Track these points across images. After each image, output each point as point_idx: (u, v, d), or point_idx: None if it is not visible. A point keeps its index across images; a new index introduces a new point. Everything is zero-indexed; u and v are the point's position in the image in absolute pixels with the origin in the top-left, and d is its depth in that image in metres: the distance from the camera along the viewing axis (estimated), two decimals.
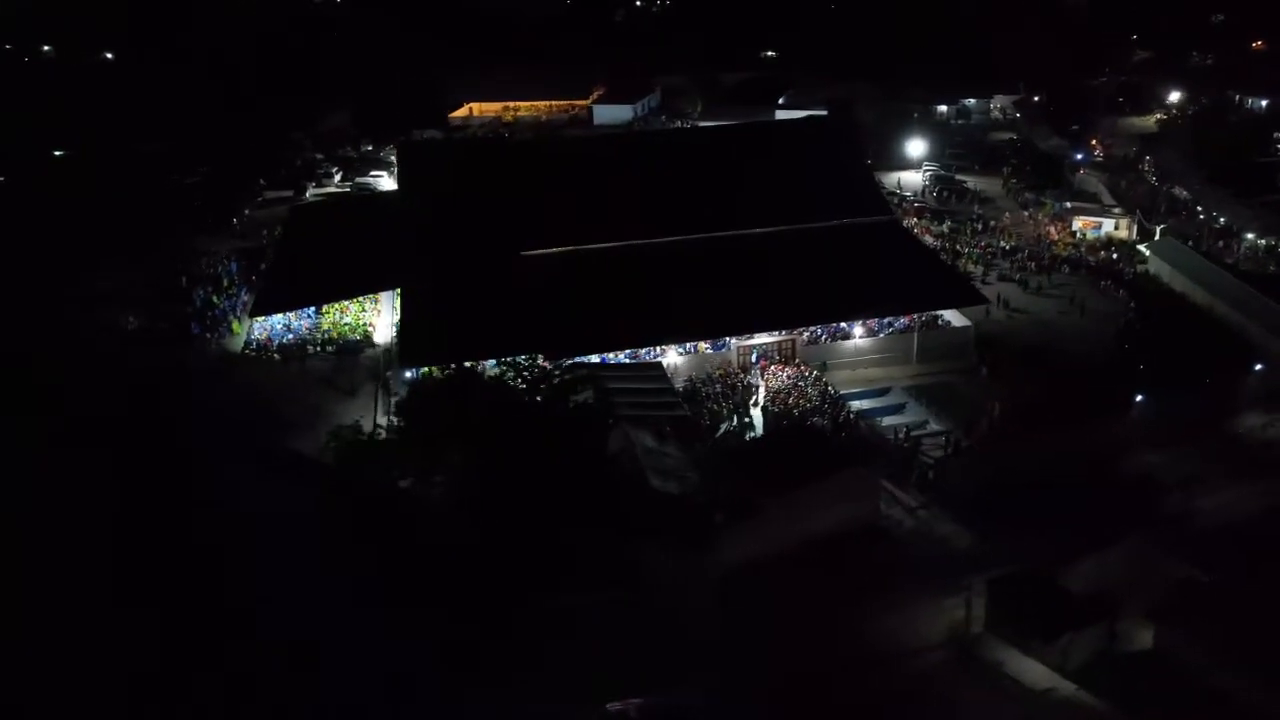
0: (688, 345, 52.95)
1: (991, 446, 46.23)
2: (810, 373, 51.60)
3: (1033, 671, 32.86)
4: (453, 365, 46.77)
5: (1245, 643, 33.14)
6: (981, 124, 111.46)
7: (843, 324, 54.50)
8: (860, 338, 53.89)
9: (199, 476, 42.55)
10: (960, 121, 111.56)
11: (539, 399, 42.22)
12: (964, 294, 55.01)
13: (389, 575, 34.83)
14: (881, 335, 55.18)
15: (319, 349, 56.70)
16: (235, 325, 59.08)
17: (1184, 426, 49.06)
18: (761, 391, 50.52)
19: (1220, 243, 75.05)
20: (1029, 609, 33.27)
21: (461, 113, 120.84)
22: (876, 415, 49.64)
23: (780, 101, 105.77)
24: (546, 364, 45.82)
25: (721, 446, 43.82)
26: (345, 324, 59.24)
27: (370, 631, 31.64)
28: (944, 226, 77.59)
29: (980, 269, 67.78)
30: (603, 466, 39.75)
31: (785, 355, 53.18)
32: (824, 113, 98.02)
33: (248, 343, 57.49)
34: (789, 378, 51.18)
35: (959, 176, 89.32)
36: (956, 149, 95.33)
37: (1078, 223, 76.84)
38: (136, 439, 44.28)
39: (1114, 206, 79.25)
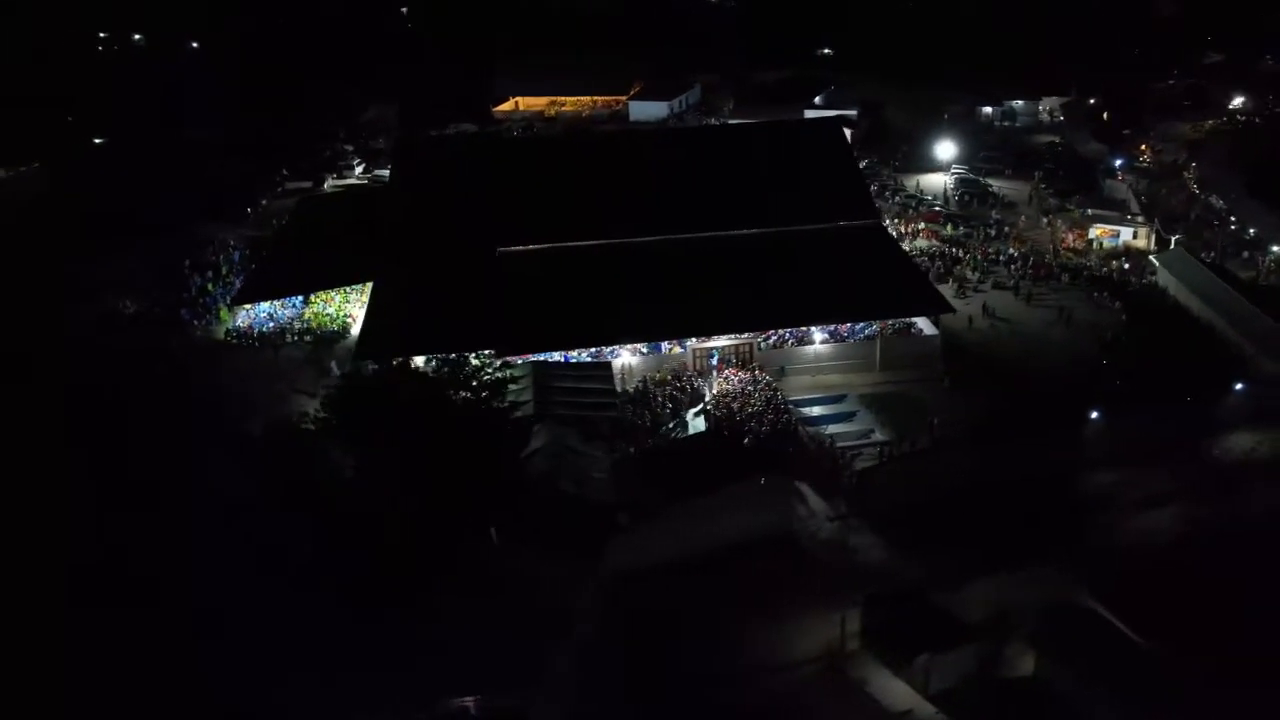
0: (643, 346, 52.70)
1: (926, 458, 45.27)
2: (762, 377, 51.10)
3: (896, 692, 32.23)
4: (397, 360, 47.68)
5: (1123, 672, 32.21)
6: (1028, 126, 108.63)
7: (801, 329, 53.63)
8: (820, 343, 53.15)
9: (143, 453, 44.30)
10: (1006, 124, 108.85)
11: (466, 397, 42.70)
12: (929, 302, 53.80)
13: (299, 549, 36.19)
14: (850, 340, 54.40)
15: (296, 338, 57.93)
16: (223, 313, 60.66)
17: (1150, 445, 47.45)
18: (709, 395, 50.17)
19: (1246, 254, 72.18)
20: (896, 627, 32.60)
21: (507, 106, 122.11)
22: (825, 423, 49.04)
23: (816, 101, 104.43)
24: (479, 362, 46.22)
25: (640, 449, 43.65)
26: (327, 314, 60.48)
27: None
28: (957, 231, 75.94)
29: (976, 276, 66.20)
30: (511, 466, 40.06)
31: (743, 359, 52.72)
32: (853, 113, 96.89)
33: (230, 329, 59.04)
34: (740, 381, 50.76)
35: (988, 180, 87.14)
36: (990, 152, 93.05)
37: (1094, 230, 74.54)
38: (94, 415, 46.27)
39: (1136, 215, 76.64)
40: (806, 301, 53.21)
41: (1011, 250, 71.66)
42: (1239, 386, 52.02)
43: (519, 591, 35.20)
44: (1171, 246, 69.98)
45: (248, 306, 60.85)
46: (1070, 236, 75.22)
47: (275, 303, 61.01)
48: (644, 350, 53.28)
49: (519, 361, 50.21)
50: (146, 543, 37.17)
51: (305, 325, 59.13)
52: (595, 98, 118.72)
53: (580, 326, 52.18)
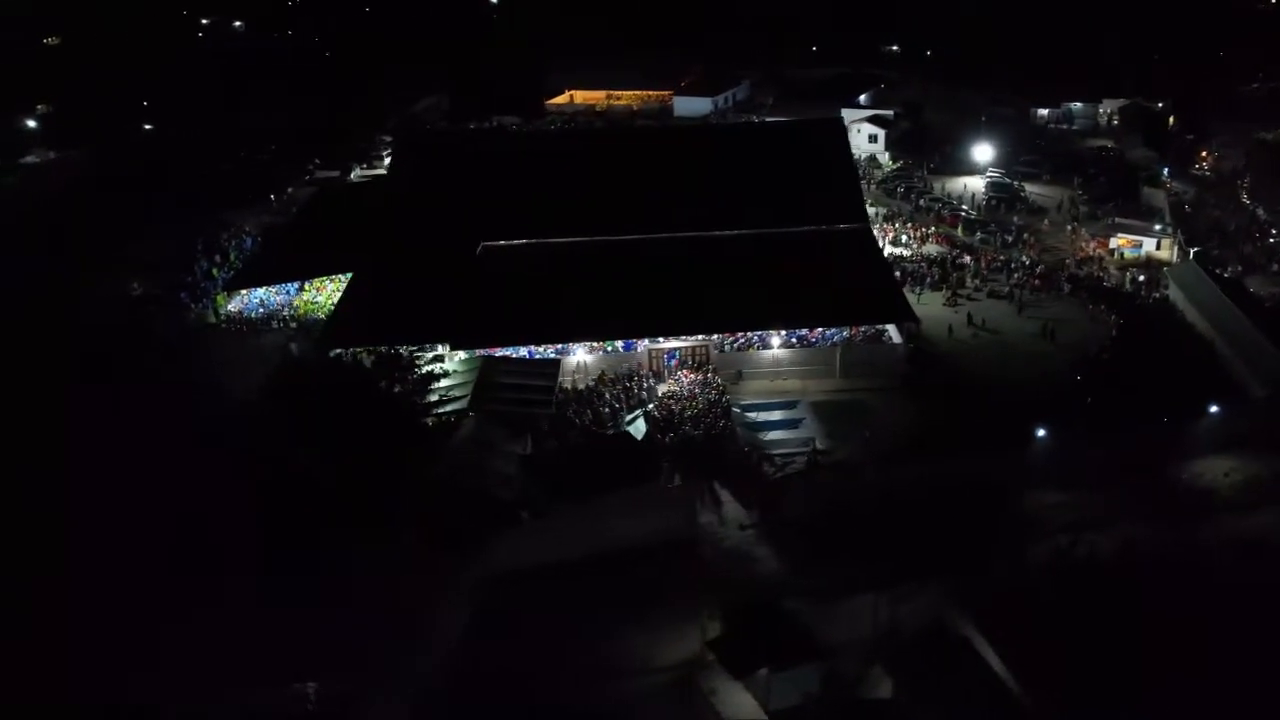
0: (598, 344, 52.89)
1: (849, 470, 44.53)
2: (713, 380, 50.83)
3: (740, 705, 31.89)
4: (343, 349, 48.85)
5: (980, 706, 31.39)
6: (1085, 130, 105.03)
7: (760, 333, 53.15)
8: (779, 348, 52.58)
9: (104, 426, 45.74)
10: (1061, 127, 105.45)
11: (384, 387, 43.52)
12: (891, 311, 52.74)
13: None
14: (818, 346, 53.66)
15: (281, 324, 59.61)
16: (219, 297, 62.72)
17: (1100, 467, 45.81)
18: (660, 394, 50.16)
19: (1276, 267, 68.94)
20: (742, 640, 32.29)
21: (562, 99, 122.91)
22: (769, 429, 48.57)
23: (861, 100, 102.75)
24: (407, 355, 46.91)
25: (549, 449, 43.88)
26: (315, 303, 62.04)
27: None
28: (973, 237, 74.15)
29: (974, 283, 64.57)
30: (415, 458, 40.70)
31: (699, 361, 52.50)
32: (890, 113, 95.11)
33: (222, 314, 61.05)
34: (690, 384, 50.60)
35: (1023, 185, 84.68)
36: (1030, 156, 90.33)
37: (1115, 240, 71.93)
38: (68, 382, 47.94)
39: (1166, 225, 73.64)
40: (766, 306, 52.58)
41: (1024, 258, 69.56)
42: (1214, 409, 49.66)
43: (391, 582, 35.84)
44: (1190, 259, 67.08)
45: (243, 292, 62.67)
46: (1092, 245, 72.69)
47: (270, 289, 62.70)
48: (609, 349, 53.34)
49: (460, 356, 50.90)
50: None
51: (293, 312, 60.62)
52: (649, 92, 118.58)
53: (536, 323, 52.56)
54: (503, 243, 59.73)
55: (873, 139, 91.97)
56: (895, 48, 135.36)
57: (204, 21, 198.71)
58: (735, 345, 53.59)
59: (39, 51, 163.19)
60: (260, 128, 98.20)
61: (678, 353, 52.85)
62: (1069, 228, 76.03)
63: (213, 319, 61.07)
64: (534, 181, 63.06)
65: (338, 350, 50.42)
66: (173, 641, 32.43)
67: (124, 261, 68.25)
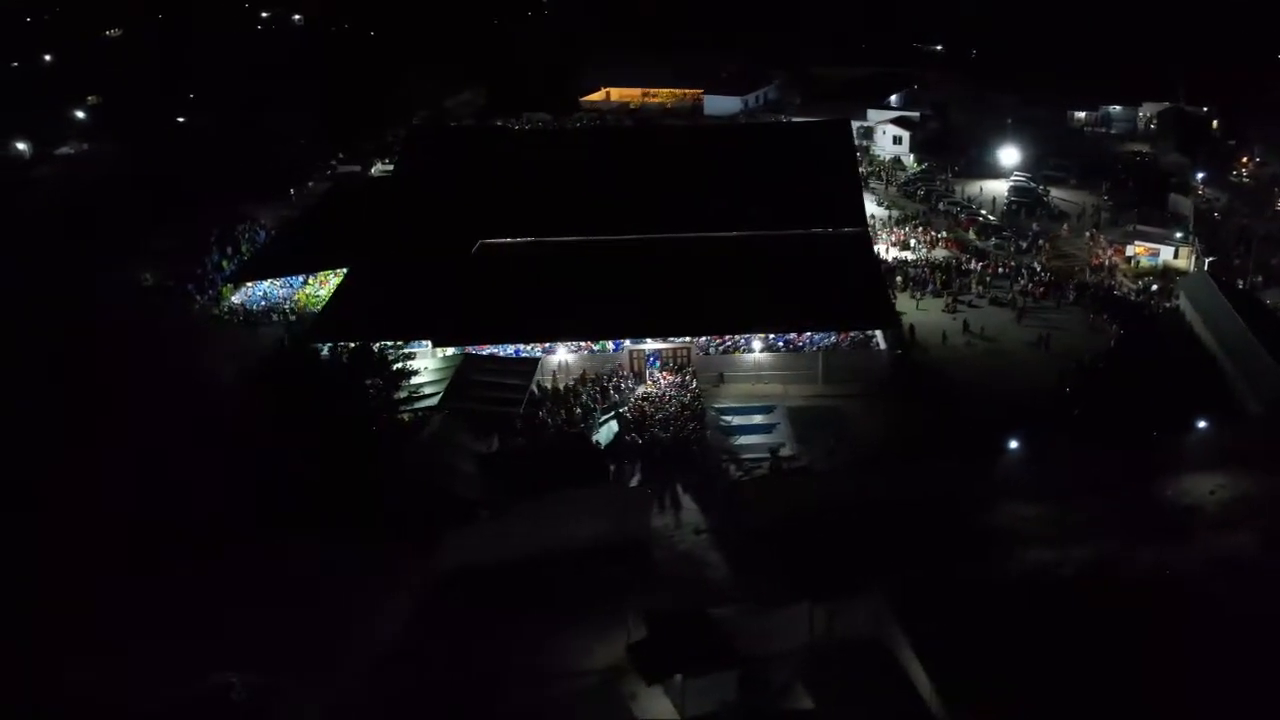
0: (578, 344, 53.05)
1: (810, 476, 44.28)
2: (691, 382, 50.77)
3: (658, 710, 31.95)
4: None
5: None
6: (1123, 133, 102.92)
7: (745, 336, 52.94)
8: (760, 352, 52.31)
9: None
10: (1099, 130, 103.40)
11: (346, 382, 44.03)
12: (874, 317, 52.19)
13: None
14: (804, 350, 53.28)
15: (280, 317, 60.63)
16: (225, 289, 63.94)
17: (1071, 481, 45.00)
18: (636, 396, 50.21)
19: None
20: (661, 645, 32.25)
21: (598, 96, 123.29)
22: (742, 433, 48.40)
23: (892, 100, 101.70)
24: (381, 351, 47.39)
25: (507, 448, 44.11)
26: (318, 296, 62.99)
27: None
28: (988, 241, 73.09)
29: (979, 290, 63.66)
30: (374, 454, 41.17)
31: (680, 363, 52.44)
32: (916, 115, 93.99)
33: (226, 306, 62.25)
34: (667, 385, 50.58)
35: (1049, 189, 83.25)
36: (1059, 159, 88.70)
37: (1132, 248, 70.43)
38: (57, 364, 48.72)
39: (1187, 234, 71.91)
40: (749, 309, 52.26)
41: (1035, 264, 68.40)
42: (1202, 424, 48.51)
43: (337, 577, 36.35)
44: (1205, 269, 65.51)
45: (248, 284, 63.82)
46: (1109, 253, 71.25)
47: (275, 282, 63.76)
48: (598, 348, 53.48)
49: (445, 353, 51.35)
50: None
51: (293, 306, 61.61)
52: (681, 91, 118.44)
53: (520, 322, 52.83)
54: (499, 240, 59.96)
55: (897, 140, 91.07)
56: (939, 47, 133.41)
57: (264, 15, 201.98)
58: (720, 348, 53.29)
59: (99, 43, 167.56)
60: (292, 122, 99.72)
61: (659, 354, 52.65)
62: (1087, 234, 74.51)
63: (217, 311, 62.13)
64: (534, 179, 63.41)
65: (322, 344, 50.91)
66: (108, 631, 33.17)
67: (141, 252, 69.76)
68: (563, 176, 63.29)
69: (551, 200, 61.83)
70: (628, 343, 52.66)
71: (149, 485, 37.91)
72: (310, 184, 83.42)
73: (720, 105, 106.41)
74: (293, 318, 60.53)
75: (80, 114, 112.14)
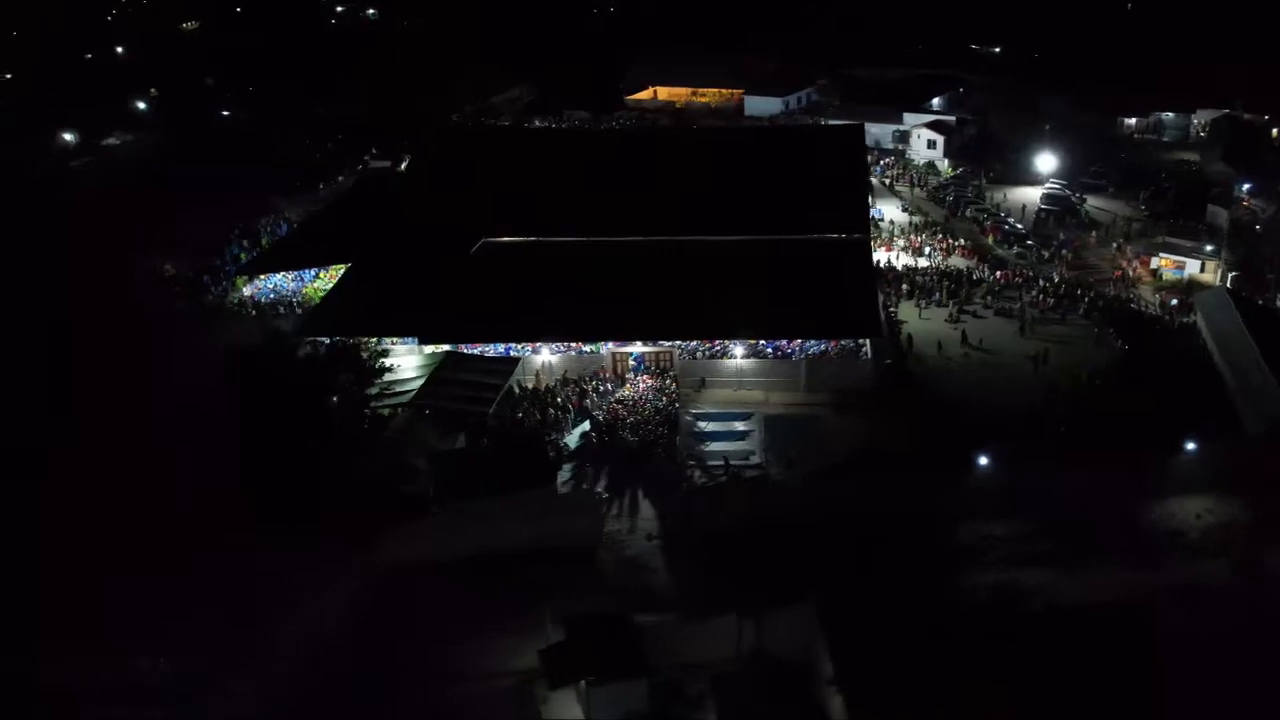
0: (563, 345, 53.26)
1: (764, 485, 44.00)
2: (669, 387, 50.71)
3: (566, 715, 32.12)
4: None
5: None
6: (1175, 141, 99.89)
7: (737, 341, 52.61)
8: (742, 358, 51.99)
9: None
10: (1149, 137, 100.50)
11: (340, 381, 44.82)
12: (858, 326, 51.49)
13: None
14: (793, 357, 52.90)
15: (286, 311, 61.83)
16: (238, 281, 65.40)
17: (1042, 501, 44.05)
18: (614, 398, 50.29)
19: None
20: (573, 651, 32.36)
21: (645, 95, 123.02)
22: (715, 439, 48.22)
23: (933, 104, 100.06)
24: (354, 347, 48.11)
25: (458, 447, 44.40)
26: (325, 291, 63.93)
27: None
28: (1009, 250, 71.67)
29: (986, 299, 62.43)
30: (331, 448, 41.89)
31: (662, 366, 52.39)
32: (951, 119, 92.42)
33: (237, 298, 63.68)
34: (645, 389, 50.59)
35: (1083, 197, 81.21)
36: (1099, 167, 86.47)
37: (1157, 261, 68.46)
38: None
39: (1217, 246, 69.65)
40: (733, 315, 51.93)
41: (1054, 275, 66.86)
42: (1191, 446, 47.01)
43: (276, 569, 37.10)
44: (1226, 284, 63.48)
45: (262, 277, 65.16)
46: (1135, 265, 69.36)
47: (287, 276, 64.98)
48: (587, 349, 53.65)
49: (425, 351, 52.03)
50: None
51: (300, 299, 62.77)
52: (727, 91, 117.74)
53: (508, 321, 53.18)
54: (501, 240, 60.44)
55: (932, 145, 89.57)
56: (997, 49, 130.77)
57: (339, 9, 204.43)
58: (708, 353, 53.04)
59: (173, 37, 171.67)
60: (336, 116, 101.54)
61: (642, 357, 52.62)
62: (1114, 245, 72.55)
63: (228, 302, 63.56)
64: (542, 180, 63.87)
65: (311, 338, 51.92)
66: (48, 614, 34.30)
67: (167, 243, 71.61)
68: (570, 177, 63.65)
69: (556, 200, 62.21)
70: (610, 345, 52.56)
71: (104, 475, 39.12)
72: (339, 179, 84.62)
73: (760, 106, 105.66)
74: (299, 311, 61.46)
75: (142, 105, 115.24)
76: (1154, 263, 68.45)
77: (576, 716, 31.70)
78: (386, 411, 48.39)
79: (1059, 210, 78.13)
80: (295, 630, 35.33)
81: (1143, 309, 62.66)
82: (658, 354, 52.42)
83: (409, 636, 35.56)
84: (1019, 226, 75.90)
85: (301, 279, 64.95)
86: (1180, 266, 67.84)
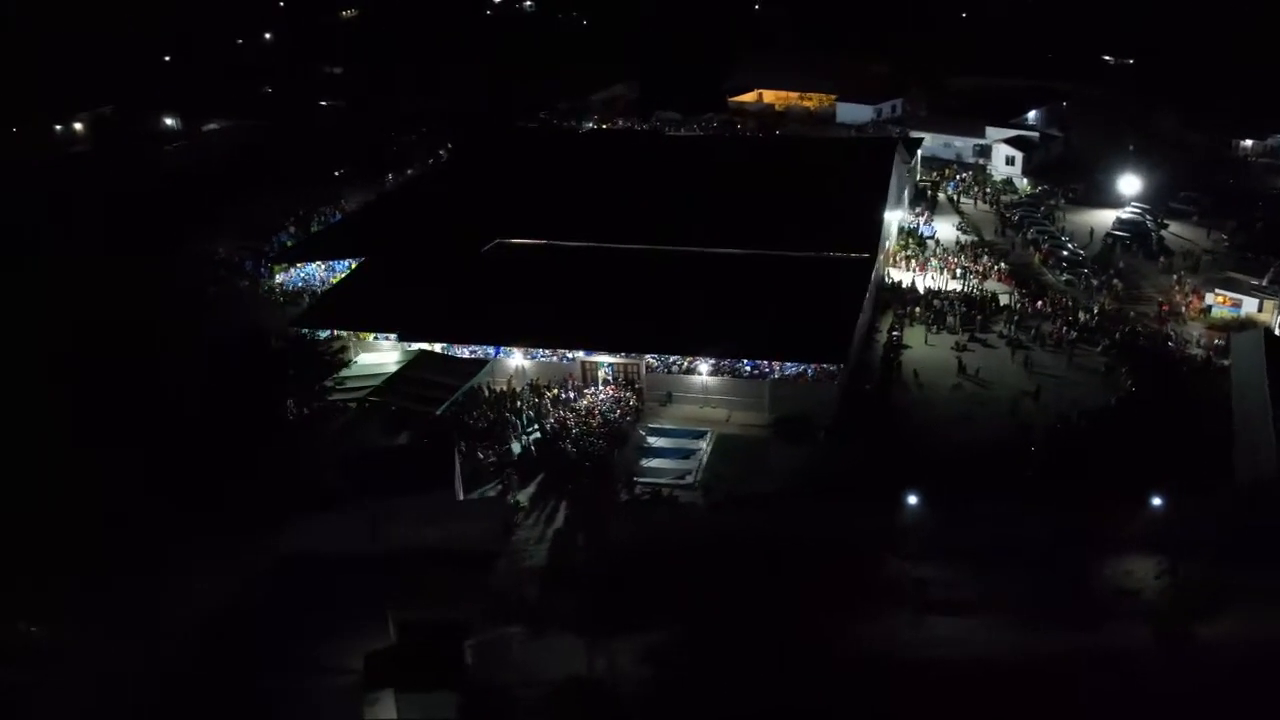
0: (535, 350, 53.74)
1: (672, 506, 43.61)
2: (626, 399, 50.66)
3: (385, 712, 32.79)
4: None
5: None
6: None
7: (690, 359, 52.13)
8: (708, 375, 51.40)
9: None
10: (1266, 161, 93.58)
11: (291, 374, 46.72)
12: (826, 351, 50.06)
13: None
14: (772, 377, 51.99)
15: (309, 299, 64.40)
16: (275, 267, 68.46)
17: (965, 545, 42.20)
18: (573, 408, 50.60)
19: None
20: (395, 657, 33.01)
21: (749, 97, 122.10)
22: (658, 455, 48.00)
23: (1029, 117, 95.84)
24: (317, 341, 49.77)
25: (367, 447, 45.21)
26: None
27: None
28: (1060, 277, 68.35)
29: (1008, 327, 59.78)
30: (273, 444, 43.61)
31: (630, 378, 52.32)
32: (1034, 134, 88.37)
33: (272, 284, 66.71)
34: (605, 400, 50.69)
35: (1168, 223, 76.53)
36: (1190, 192, 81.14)
37: (1211, 297, 64.00)
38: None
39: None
40: (706, 331, 51.33)
41: (1094, 306, 63.38)
42: (1156, 501, 44.08)
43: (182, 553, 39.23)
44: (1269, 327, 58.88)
45: (299, 264, 67.99)
46: (1192, 300, 64.98)
47: (320, 265, 67.61)
48: (555, 356, 54.08)
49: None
50: None
51: (321, 289, 65.16)
52: (825, 96, 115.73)
53: (480, 323, 54.01)
54: (515, 241, 61.42)
55: (1010, 161, 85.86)
56: (1130, 60, 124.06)
57: (495, 0, 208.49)
58: (677, 367, 52.62)
59: (329, 25, 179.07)
60: (429, 108, 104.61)
61: (611, 367, 52.64)
62: (1174, 277, 68.09)
63: (268, 288, 66.63)
64: (567, 184, 65.12)
65: (303, 330, 54.01)
66: None
67: (229, 226, 75.62)
68: (591, 182, 64.52)
69: (573, 205, 63.03)
70: (581, 353, 52.77)
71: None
72: (409, 171, 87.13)
73: (851, 113, 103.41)
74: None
75: (269, 90, 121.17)
76: (1208, 299, 63.86)
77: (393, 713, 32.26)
78: (355, 406, 49.83)
79: (1128, 237, 73.72)
80: (184, 610, 37.07)
81: (1174, 348, 58.49)
82: (626, 365, 52.21)
83: (286, 624, 36.88)
84: (1079, 252, 72.01)
85: (333, 269, 67.26)
86: (1237, 304, 63.13)
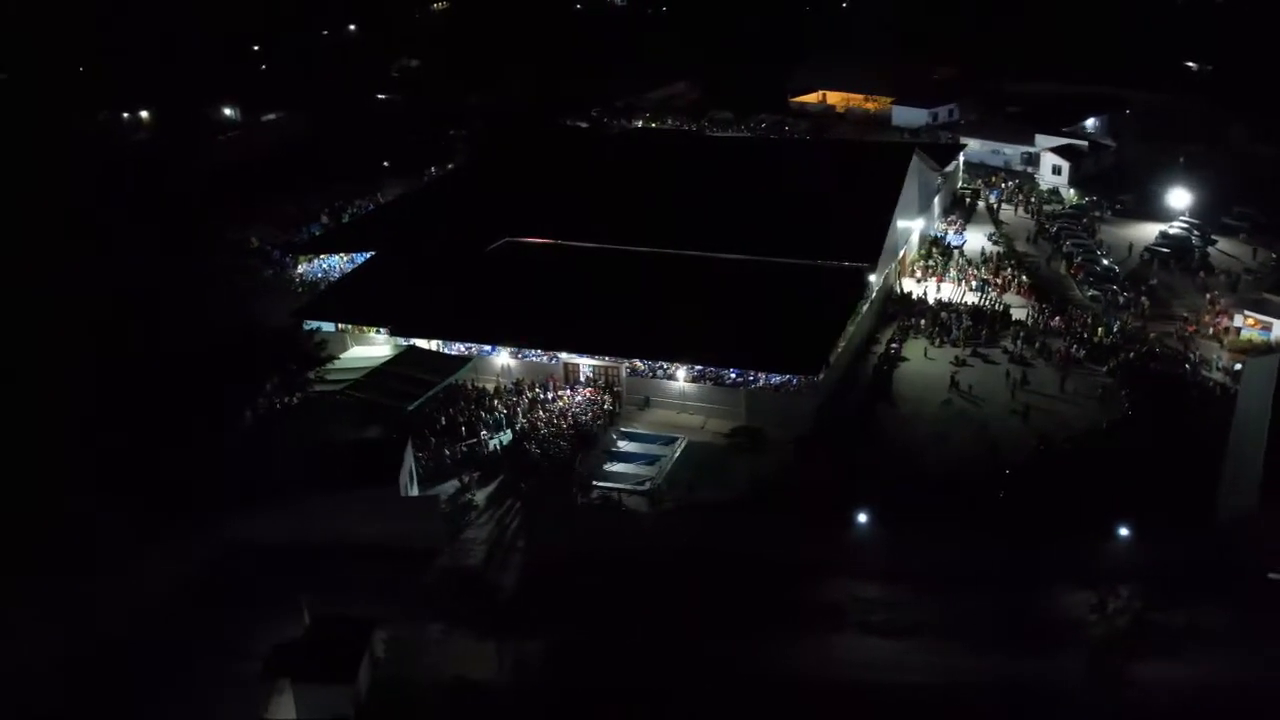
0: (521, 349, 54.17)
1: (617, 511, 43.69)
2: (599, 402, 50.83)
3: (285, 705, 33.55)
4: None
5: None
6: None
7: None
8: (685, 381, 51.23)
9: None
10: None
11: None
12: (802, 363, 49.41)
13: None
14: (753, 385, 51.67)
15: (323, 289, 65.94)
16: (299, 258, 70.18)
17: (957, 571, 41.46)
18: (547, 409, 50.95)
19: None
20: (299, 649, 33.73)
21: (813, 98, 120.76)
22: (623, 460, 48.08)
23: (1087, 125, 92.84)
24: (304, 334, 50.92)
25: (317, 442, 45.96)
26: None
27: None
28: (1086, 293, 66.31)
29: (1015, 343, 58.22)
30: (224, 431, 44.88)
31: (609, 382, 52.45)
32: (1083, 144, 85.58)
33: (295, 274, 68.46)
34: (579, 402, 50.94)
35: (1215, 239, 73.58)
36: (1244, 208, 77.71)
37: (1240, 319, 61.34)
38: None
39: None
40: (687, 337, 51.14)
41: (1115, 324, 61.27)
42: (1124, 533, 42.62)
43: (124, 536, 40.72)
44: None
45: (323, 256, 69.58)
46: (1220, 321, 62.40)
47: (344, 257, 69.03)
48: (539, 356, 54.54)
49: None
50: None
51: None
52: (884, 99, 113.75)
53: (470, 320, 54.69)
54: (523, 240, 62.01)
55: (1056, 171, 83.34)
56: (1210, 67, 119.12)
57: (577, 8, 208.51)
58: (657, 372, 52.56)
59: (420, 16, 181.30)
60: (472, 106, 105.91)
61: (591, 369, 52.83)
62: (1207, 296, 65.41)
63: (291, 278, 68.39)
64: (579, 184, 65.10)
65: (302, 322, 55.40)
66: None
67: (267, 216, 77.76)
68: (605, 183, 64.70)
69: (585, 206, 63.26)
70: (563, 355, 53.05)
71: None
72: (450, 166, 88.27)
73: (907, 116, 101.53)
74: None
75: (329, 80, 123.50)
76: (1236, 320, 61.20)
77: (287, 709, 32.99)
78: (340, 397, 50.93)
79: (1168, 253, 71.00)
80: (120, 592, 38.48)
81: (1189, 370, 56.21)
82: (605, 368, 52.32)
83: (217, 608, 38.07)
84: (1113, 267, 69.59)
85: (354, 261, 68.57)
86: (1267, 327, 60.38)
